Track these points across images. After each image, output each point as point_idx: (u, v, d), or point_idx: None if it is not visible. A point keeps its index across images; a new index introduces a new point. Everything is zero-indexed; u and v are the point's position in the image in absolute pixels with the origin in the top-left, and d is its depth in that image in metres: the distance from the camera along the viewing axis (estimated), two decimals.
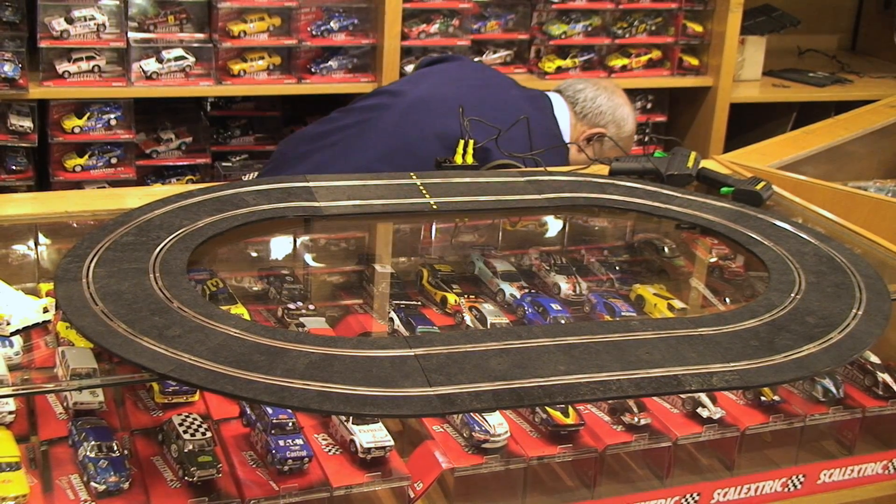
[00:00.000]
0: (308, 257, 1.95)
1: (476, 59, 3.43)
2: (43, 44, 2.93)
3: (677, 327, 1.42)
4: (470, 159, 2.08)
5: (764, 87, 3.97)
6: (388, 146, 2.37)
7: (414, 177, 1.94)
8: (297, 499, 1.31)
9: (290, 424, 1.37)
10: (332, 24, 3.20)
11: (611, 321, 1.66)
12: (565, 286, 1.79)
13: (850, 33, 4.77)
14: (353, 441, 1.37)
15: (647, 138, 3.66)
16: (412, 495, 1.36)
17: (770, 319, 1.47)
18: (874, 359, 1.72)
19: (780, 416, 1.59)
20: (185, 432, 1.32)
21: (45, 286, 1.54)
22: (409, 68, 3.30)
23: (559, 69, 3.50)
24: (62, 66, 2.96)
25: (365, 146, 2.40)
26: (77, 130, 3.04)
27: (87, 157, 3.08)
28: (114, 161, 3.12)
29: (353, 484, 1.34)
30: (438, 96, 2.43)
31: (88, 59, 2.98)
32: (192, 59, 3.08)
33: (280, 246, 1.94)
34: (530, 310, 1.68)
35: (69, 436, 1.34)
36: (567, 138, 2.51)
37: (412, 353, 1.28)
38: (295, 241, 1.94)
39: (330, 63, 3.23)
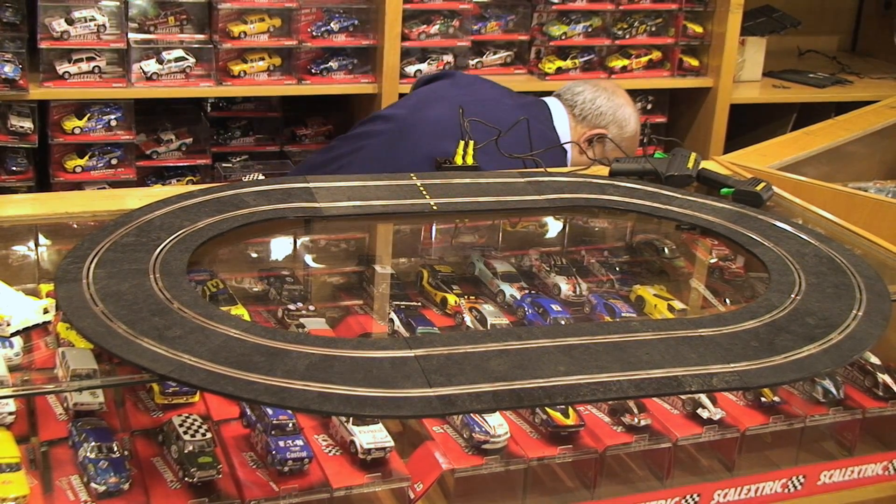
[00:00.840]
0: (308, 258, 1.95)
1: (475, 61, 3.44)
2: (43, 45, 2.94)
3: (677, 328, 1.42)
4: (470, 160, 2.08)
5: (764, 87, 3.98)
6: (382, 172, 2.37)
7: (414, 177, 1.94)
8: (297, 500, 1.31)
9: (291, 425, 1.37)
10: (332, 24, 3.20)
11: (611, 322, 1.66)
12: (565, 287, 1.79)
13: (851, 34, 4.77)
14: (353, 442, 1.37)
15: (646, 139, 3.66)
16: (412, 496, 1.36)
17: (770, 320, 1.47)
18: (874, 360, 1.72)
19: (780, 416, 1.59)
20: (185, 433, 1.32)
21: (46, 287, 1.54)
22: (410, 69, 3.30)
23: (559, 70, 3.50)
24: (62, 67, 2.97)
25: (360, 173, 2.41)
26: (77, 131, 3.04)
27: (87, 157, 3.08)
28: (114, 162, 3.12)
29: (354, 485, 1.34)
30: (428, 118, 2.43)
31: (89, 59, 2.98)
32: (192, 60, 3.08)
33: (280, 247, 1.94)
34: (530, 311, 1.68)
35: (69, 437, 1.34)
36: (569, 145, 2.51)
37: (412, 354, 1.28)
38: (295, 242, 1.94)
39: (330, 64, 3.23)
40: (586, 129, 2.56)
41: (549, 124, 2.54)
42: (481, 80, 2.74)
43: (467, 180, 1.97)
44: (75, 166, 3.07)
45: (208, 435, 1.33)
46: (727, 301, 1.87)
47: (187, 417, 1.36)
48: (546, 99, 2.63)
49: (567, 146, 2.49)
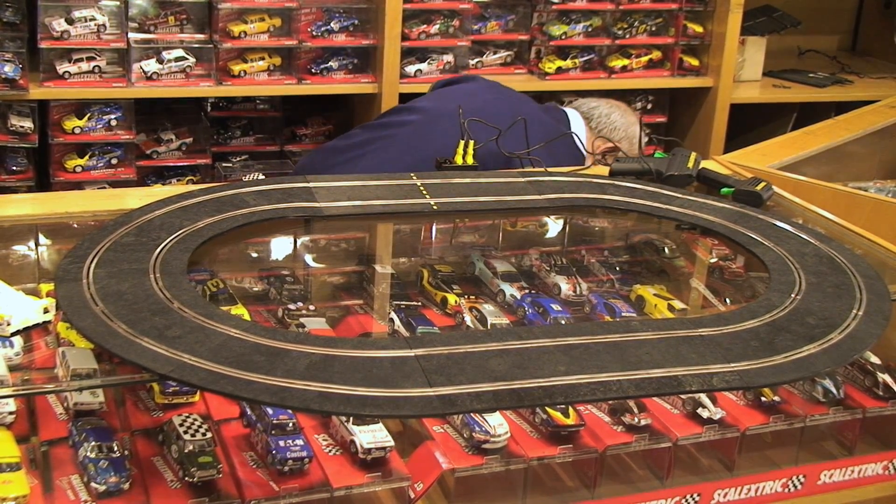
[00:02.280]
0: (308, 258, 1.96)
1: (475, 61, 3.44)
2: (43, 44, 2.94)
3: (677, 328, 1.42)
4: (470, 160, 2.08)
5: (764, 87, 3.98)
6: (411, 159, 2.39)
7: (414, 177, 1.94)
8: (297, 499, 1.31)
9: (291, 425, 1.37)
10: (332, 24, 3.20)
11: (611, 322, 1.66)
12: (565, 287, 1.79)
13: (851, 34, 4.77)
14: (353, 441, 1.37)
15: (647, 139, 3.66)
16: (412, 496, 1.36)
17: (770, 320, 1.47)
18: (874, 359, 1.72)
19: (780, 416, 1.59)
20: (185, 433, 1.32)
21: (46, 287, 1.54)
22: (410, 69, 3.30)
23: (559, 70, 3.50)
24: (62, 67, 2.96)
25: (387, 160, 2.43)
26: (77, 131, 3.04)
27: (87, 157, 3.08)
28: (114, 162, 3.12)
29: (354, 484, 1.34)
30: (457, 110, 2.45)
31: (89, 59, 2.98)
32: (192, 60, 3.08)
33: (280, 246, 1.94)
34: (530, 310, 1.68)
35: (69, 436, 1.34)
36: (584, 153, 2.54)
37: (412, 354, 1.28)
38: (295, 242, 1.94)
39: (330, 63, 3.23)
40: (601, 141, 2.63)
41: (571, 136, 2.58)
42: (502, 85, 2.78)
43: (467, 180, 1.97)
44: (75, 166, 3.07)
45: (208, 435, 1.33)
46: (727, 301, 1.87)
47: (187, 417, 1.36)
48: (564, 108, 2.70)
49: (585, 155, 2.52)
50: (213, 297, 1.56)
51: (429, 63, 3.34)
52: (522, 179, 1.99)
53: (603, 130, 2.64)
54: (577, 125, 2.63)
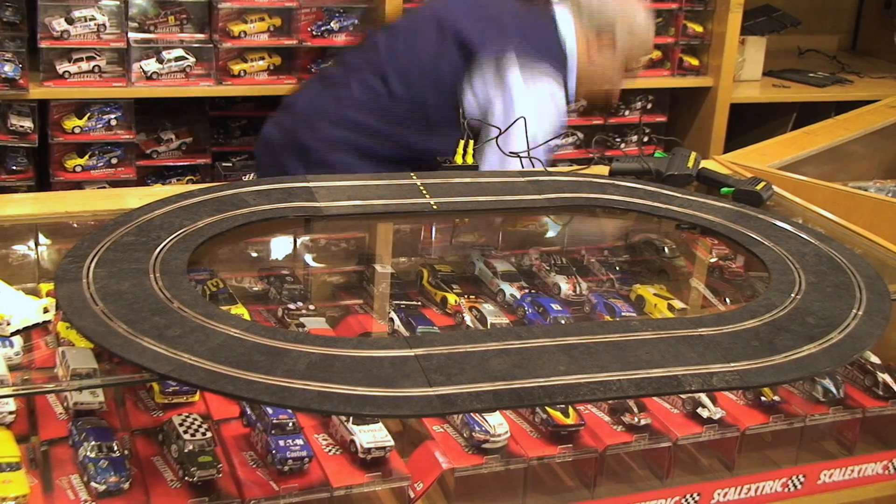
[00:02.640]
0: (308, 257, 1.96)
1: None
2: (43, 44, 2.93)
3: (677, 327, 1.42)
4: (470, 159, 2.08)
5: (764, 87, 3.98)
6: (389, 70, 2.41)
7: (414, 177, 1.94)
8: (297, 499, 1.31)
9: (291, 424, 1.37)
10: (332, 24, 3.20)
11: (611, 321, 1.66)
12: (565, 286, 1.79)
13: (851, 34, 4.77)
14: (353, 441, 1.37)
15: (647, 139, 3.66)
16: (412, 495, 1.36)
17: (770, 320, 1.47)
18: (874, 359, 1.72)
19: (780, 416, 1.59)
20: (185, 432, 1.32)
21: (46, 286, 1.54)
22: None
23: None
24: (62, 67, 2.96)
25: (365, 77, 2.45)
26: (77, 131, 3.04)
27: (87, 157, 3.08)
28: (114, 161, 3.12)
29: (354, 484, 1.34)
30: (431, 10, 2.48)
31: (89, 59, 2.98)
32: (192, 60, 3.08)
33: (280, 246, 1.95)
34: (530, 310, 1.68)
35: (69, 436, 1.34)
36: (573, 51, 2.40)
37: (412, 354, 1.28)
38: (295, 242, 1.94)
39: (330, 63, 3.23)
40: (592, 31, 2.40)
41: (554, 31, 2.40)
42: None
43: (467, 179, 1.97)
44: (75, 166, 3.07)
45: (208, 434, 1.33)
46: (727, 300, 1.87)
47: (187, 417, 1.36)
48: (553, 5, 2.46)
49: (573, 56, 2.38)
50: (213, 297, 1.56)
51: None
52: (522, 179, 1.99)
53: (594, 18, 2.39)
54: (565, 21, 2.40)
